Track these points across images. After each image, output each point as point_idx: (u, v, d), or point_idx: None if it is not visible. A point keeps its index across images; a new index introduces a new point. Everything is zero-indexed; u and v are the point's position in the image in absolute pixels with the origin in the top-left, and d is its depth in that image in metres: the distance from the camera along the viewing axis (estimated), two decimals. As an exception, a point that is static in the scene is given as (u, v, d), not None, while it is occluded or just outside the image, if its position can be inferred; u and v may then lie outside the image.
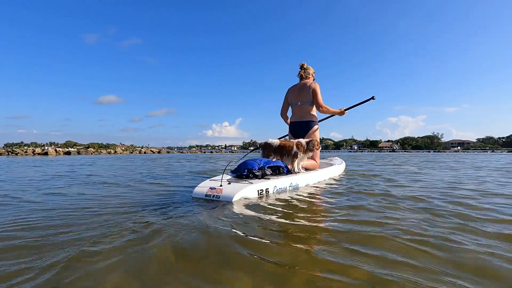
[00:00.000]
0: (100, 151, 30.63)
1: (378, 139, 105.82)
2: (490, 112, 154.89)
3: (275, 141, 3.11)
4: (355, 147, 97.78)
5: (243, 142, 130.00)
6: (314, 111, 3.67)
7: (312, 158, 3.55)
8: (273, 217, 1.56)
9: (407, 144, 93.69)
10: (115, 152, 30.96)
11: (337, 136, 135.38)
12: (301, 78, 3.82)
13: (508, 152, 41.44)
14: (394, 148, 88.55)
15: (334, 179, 3.44)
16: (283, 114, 3.98)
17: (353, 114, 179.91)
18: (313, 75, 3.89)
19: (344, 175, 3.92)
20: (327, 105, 3.61)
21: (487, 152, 42.94)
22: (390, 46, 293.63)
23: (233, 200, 2.01)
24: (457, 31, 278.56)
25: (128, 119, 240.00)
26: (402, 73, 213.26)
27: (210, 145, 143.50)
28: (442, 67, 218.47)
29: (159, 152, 30.43)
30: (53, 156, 18.93)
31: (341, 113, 3.76)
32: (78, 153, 27.14)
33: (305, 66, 3.80)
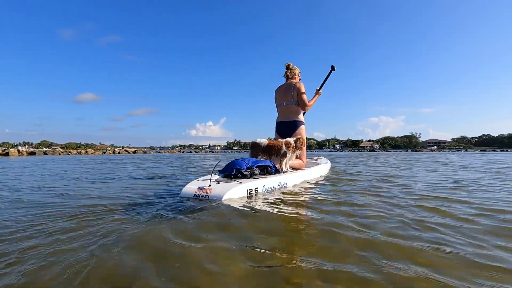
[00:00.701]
0: (70, 152, 28.94)
1: (360, 139, 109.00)
2: (464, 113, 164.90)
3: (264, 141, 3.15)
4: (338, 147, 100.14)
5: (227, 141, 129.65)
6: (299, 111, 3.73)
7: (299, 157, 3.59)
8: (263, 216, 1.60)
9: (387, 143, 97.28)
10: (86, 152, 29.33)
11: (320, 136, 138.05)
12: (287, 78, 3.87)
13: (480, 151, 44.00)
14: (375, 147, 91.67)
15: (321, 178, 3.53)
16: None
17: (336, 114, 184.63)
18: (299, 75, 3.95)
19: (329, 174, 4.05)
20: (309, 100, 3.71)
21: (460, 151, 45.35)
22: (370, 48, 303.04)
23: (222, 199, 2.02)
24: (431, 35, 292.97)
25: (108, 118, 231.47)
26: (382, 75, 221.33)
27: (193, 145, 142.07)
28: (418, 69, 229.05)
29: (134, 152, 29.29)
30: (15, 157, 17.55)
31: (319, 94, 3.90)
32: (45, 153, 25.46)
33: (290, 67, 3.86)
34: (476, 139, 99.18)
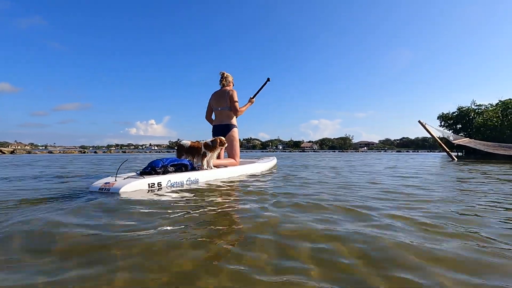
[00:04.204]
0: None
1: (301, 140, 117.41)
2: (389, 118, 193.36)
3: (187, 143, 3.60)
4: (280, 147, 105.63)
5: (169, 141, 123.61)
6: (232, 115, 4.34)
7: (232, 156, 4.27)
8: (147, 206, 1.83)
9: (325, 144, 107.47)
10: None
11: (265, 137, 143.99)
12: (222, 85, 4.48)
13: (396, 152, 52.28)
14: (314, 148, 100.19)
15: (252, 176, 3.89)
16: (208, 118, 4.63)
17: (282, 116, 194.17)
18: (233, 82, 4.61)
19: (264, 173, 4.38)
20: (241, 106, 4.39)
21: (380, 152, 53.16)
22: (312, 54, 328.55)
23: (119, 191, 2.33)
24: (363, 46, 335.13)
25: (28, 113, 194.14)
26: (323, 81, 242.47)
27: (132, 144, 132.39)
28: (352, 77, 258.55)
29: (50, 152, 25.99)
30: None
31: (251, 102, 4.58)
32: None
33: (225, 75, 4.46)
34: (397, 141, 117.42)
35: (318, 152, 46.27)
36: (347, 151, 58.45)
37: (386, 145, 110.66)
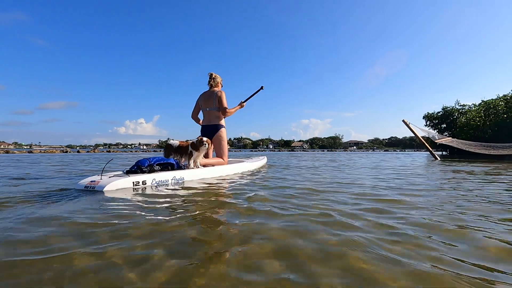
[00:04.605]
0: None
1: (292, 139, 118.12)
2: (378, 117, 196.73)
3: (175, 142, 3.65)
4: (271, 146, 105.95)
5: (159, 140, 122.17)
6: (220, 116, 4.39)
7: (220, 156, 4.32)
8: (129, 204, 1.92)
9: (315, 143, 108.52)
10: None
11: (256, 136, 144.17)
12: (211, 86, 4.51)
13: (384, 151, 53.20)
14: (304, 147, 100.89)
15: (238, 175, 3.97)
16: (194, 116, 4.66)
17: (274, 115, 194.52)
18: (221, 83, 4.62)
19: (251, 172, 4.47)
20: (231, 107, 4.41)
21: (368, 151, 54.01)
22: (300, 54, 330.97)
23: (104, 190, 2.39)
24: (348, 46, 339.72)
25: (10, 111, 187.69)
26: (310, 81, 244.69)
27: (121, 144, 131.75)
28: (340, 77, 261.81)
29: (30, 152, 25.08)
30: None
31: (241, 106, 4.60)
32: None
33: (213, 76, 4.49)
34: (386, 140, 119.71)
35: (306, 151, 46.64)
36: (335, 151, 59.09)
37: (375, 144, 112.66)
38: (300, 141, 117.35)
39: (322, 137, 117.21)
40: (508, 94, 15.99)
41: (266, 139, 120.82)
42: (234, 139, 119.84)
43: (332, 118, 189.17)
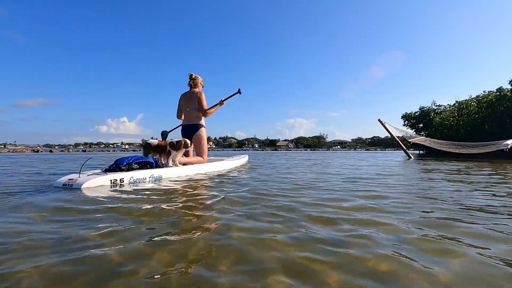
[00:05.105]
0: None
1: (277, 138, 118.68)
2: (361, 117, 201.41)
3: (154, 141, 3.77)
4: (256, 146, 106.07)
5: (143, 139, 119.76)
6: (200, 116, 4.53)
7: (200, 155, 4.45)
8: (103, 200, 2.01)
9: (300, 143, 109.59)
10: None
11: (242, 135, 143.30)
12: (191, 86, 4.63)
13: (365, 150, 54.54)
14: (289, 146, 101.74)
15: (217, 173, 4.08)
16: (179, 117, 4.79)
17: (259, 115, 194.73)
18: (201, 83, 4.73)
19: (230, 170, 4.63)
20: (210, 106, 4.51)
21: (350, 150, 55.19)
22: (287, 53, 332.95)
23: (81, 187, 2.48)
24: (331, 47, 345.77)
25: None
26: (297, 80, 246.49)
27: (103, 143, 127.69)
28: (324, 77, 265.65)
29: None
30: None
31: (221, 103, 4.67)
32: None
33: (193, 76, 4.60)
34: (369, 140, 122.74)
35: (290, 150, 47.19)
36: (318, 150, 60.14)
37: (358, 143, 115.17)
38: (285, 140, 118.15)
39: (307, 137, 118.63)
40: (480, 95, 16.67)
41: (251, 138, 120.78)
42: (220, 138, 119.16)
43: (317, 118, 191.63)
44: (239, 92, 4.81)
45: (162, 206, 1.87)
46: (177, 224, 1.47)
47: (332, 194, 2.33)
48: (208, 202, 2.08)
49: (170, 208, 1.83)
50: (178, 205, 1.94)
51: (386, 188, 2.73)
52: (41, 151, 20.22)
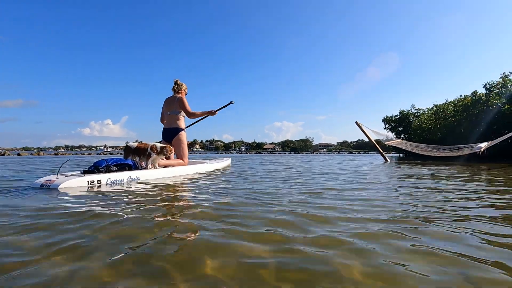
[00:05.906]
0: None
1: (264, 141, 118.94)
2: (347, 120, 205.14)
3: (133, 144, 3.88)
4: (243, 149, 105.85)
5: (126, 142, 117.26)
6: (181, 120, 4.66)
7: (180, 157, 4.56)
8: (79, 200, 2.09)
9: (287, 146, 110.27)
10: None
11: (229, 138, 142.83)
12: (174, 91, 4.75)
13: (349, 153, 55.35)
14: (276, 149, 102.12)
15: (197, 175, 4.16)
16: (162, 121, 4.86)
17: (247, 117, 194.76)
18: (186, 90, 4.81)
19: (210, 173, 4.70)
20: (198, 111, 4.67)
21: (333, 153, 55.87)
22: (276, 55, 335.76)
23: (58, 188, 2.54)
24: (316, 49, 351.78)
25: None
26: (285, 82, 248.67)
27: (85, 146, 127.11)
28: (314, 80, 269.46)
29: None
30: None
31: (212, 113, 4.80)
32: None
33: (178, 82, 4.75)
34: (354, 143, 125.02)
35: (274, 153, 47.21)
36: (302, 153, 60.74)
37: (344, 146, 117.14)
38: (272, 143, 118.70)
39: (294, 140, 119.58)
40: (456, 98, 17.10)
41: (238, 141, 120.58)
42: (206, 141, 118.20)
43: (304, 121, 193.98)
44: (231, 103, 5.05)
45: (135, 209, 1.84)
46: (144, 227, 1.44)
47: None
48: (179, 203, 2.07)
49: (137, 208, 1.85)
50: (149, 206, 1.92)
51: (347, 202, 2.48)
52: (8, 154, 19.04)
